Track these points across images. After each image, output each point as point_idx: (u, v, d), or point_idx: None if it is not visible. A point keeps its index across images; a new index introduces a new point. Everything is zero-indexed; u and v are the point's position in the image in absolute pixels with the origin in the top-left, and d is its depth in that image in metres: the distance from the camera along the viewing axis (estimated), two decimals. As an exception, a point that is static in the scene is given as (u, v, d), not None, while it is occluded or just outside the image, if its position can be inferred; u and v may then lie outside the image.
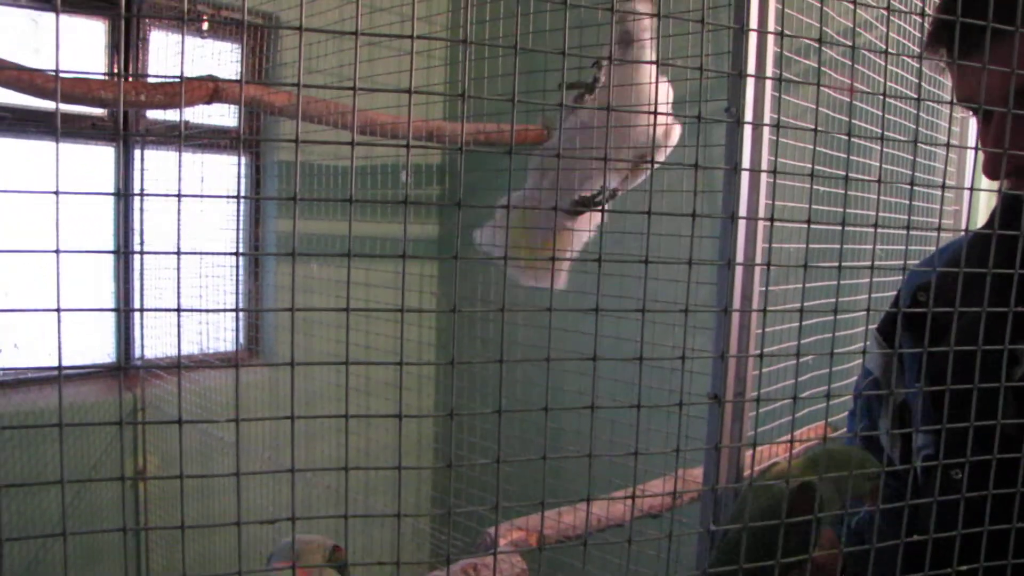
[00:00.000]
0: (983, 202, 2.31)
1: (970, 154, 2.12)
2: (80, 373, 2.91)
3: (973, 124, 2.13)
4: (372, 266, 2.91)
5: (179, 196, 0.55)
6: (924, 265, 1.01)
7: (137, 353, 3.01)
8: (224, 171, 2.99)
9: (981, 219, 2.33)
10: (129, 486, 2.82)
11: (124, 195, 2.88)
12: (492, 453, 0.71)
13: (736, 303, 1.17)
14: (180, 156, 0.59)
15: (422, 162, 3.06)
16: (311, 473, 2.65)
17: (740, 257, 1.17)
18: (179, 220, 0.54)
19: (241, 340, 3.25)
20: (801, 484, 0.88)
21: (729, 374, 1.17)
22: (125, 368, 2.99)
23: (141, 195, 2.82)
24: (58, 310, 0.55)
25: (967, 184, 2.13)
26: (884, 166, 0.74)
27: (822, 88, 0.70)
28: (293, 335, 0.56)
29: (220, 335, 3.17)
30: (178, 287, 0.57)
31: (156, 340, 3.01)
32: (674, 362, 1.12)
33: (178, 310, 0.56)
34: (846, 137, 0.73)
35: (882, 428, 1.03)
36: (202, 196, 2.79)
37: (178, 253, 0.55)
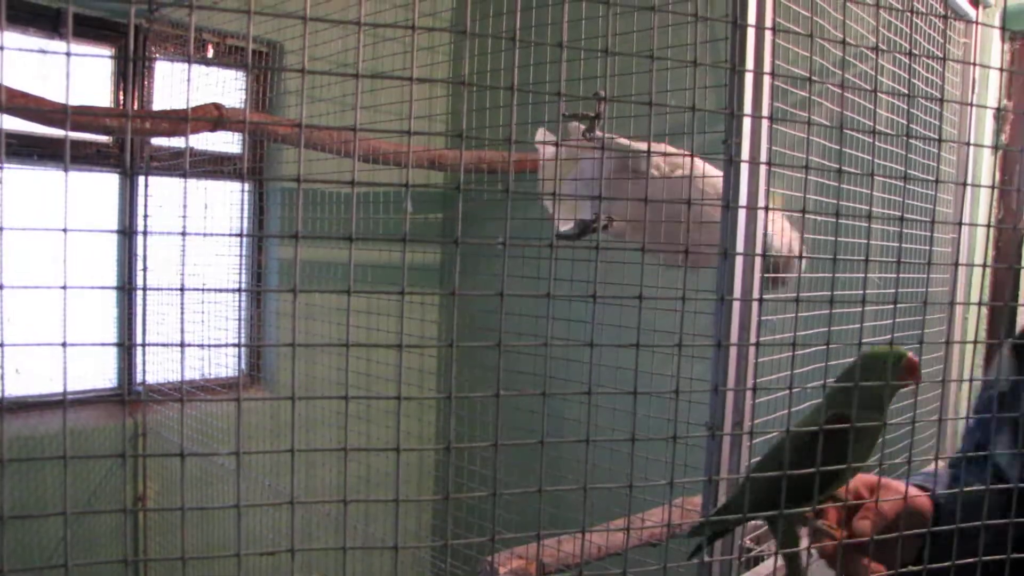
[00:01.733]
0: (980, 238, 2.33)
1: (968, 192, 2.14)
2: (81, 398, 2.92)
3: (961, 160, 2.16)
4: (374, 293, 2.92)
5: (183, 233, 0.56)
6: None
7: (139, 378, 3.01)
8: (227, 197, 3.01)
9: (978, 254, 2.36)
10: (130, 508, 2.82)
11: (129, 232, 2.90)
12: (506, 484, 0.71)
13: (734, 334, 1.18)
14: (186, 191, 0.61)
15: (424, 188, 3.09)
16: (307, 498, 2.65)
17: (737, 292, 1.19)
18: (183, 257, 0.55)
19: (242, 367, 3.26)
20: (833, 414, 0.89)
21: (727, 405, 1.18)
22: (128, 397, 3.00)
23: (145, 233, 2.83)
24: (64, 344, 0.56)
25: (964, 219, 2.14)
26: (876, 195, 0.75)
27: (815, 123, 0.72)
28: (295, 371, 0.57)
29: (221, 361, 3.18)
30: (181, 325, 0.58)
31: (158, 366, 3.02)
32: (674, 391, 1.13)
33: (181, 345, 0.57)
34: (837, 170, 0.75)
35: (999, 446, 1.02)
36: (206, 234, 2.81)
37: (181, 289, 0.56)
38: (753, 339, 1.17)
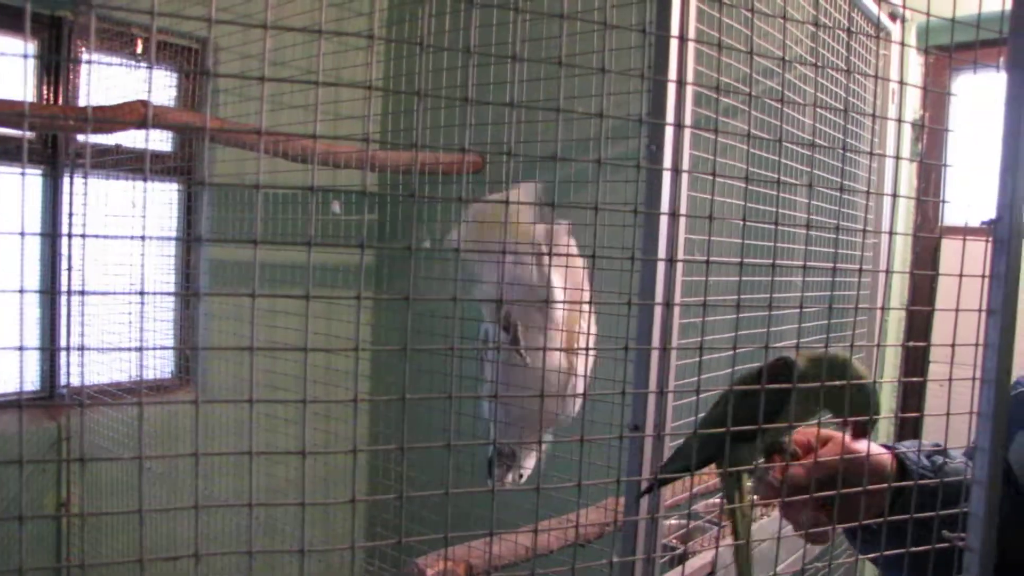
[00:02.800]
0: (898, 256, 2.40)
1: (886, 201, 2.20)
2: (1, 401, 2.83)
3: (888, 170, 2.23)
4: (304, 292, 2.89)
5: (143, 238, 0.55)
6: None
7: (63, 381, 2.93)
8: (156, 196, 2.95)
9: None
10: (53, 514, 2.74)
11: (65, 236, 2.82)
12: (422, 484, 0.72)
13: (655, 338, 1.20)
14: (143, 192, 0.60)
15: (355, 191, 3.06)
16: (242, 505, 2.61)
17: (659, 295, 1.21)
18: (143, 266, 0.54)
19: (171, 369, 3.20)
20: (780, 357, 0.92)
21: (649, 406, 1.20)
22: (56, 399, 2.91)
23: (70, 236, 2.76)
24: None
25: (884, 219, 2.21)
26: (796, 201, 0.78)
27: (727, 130, 0.74)
28: (252, 373, 0.56)
29: (150, 364, 3.11)
30: (142, 328, 0.57)
31: (82, 368, 2.94)
32: (616, 396, 1.15)
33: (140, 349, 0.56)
34: (746, 180, 0.77)
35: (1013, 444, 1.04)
36: (147, 237, 2.75)
37: (141, 293, 0.56)
38: (673, 343, 1.20)
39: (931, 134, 2.45)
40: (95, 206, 2.78)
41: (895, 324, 2.47)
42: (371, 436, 3.10)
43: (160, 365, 3.21)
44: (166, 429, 2.88)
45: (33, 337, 2.95)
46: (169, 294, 3.10)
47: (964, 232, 0.92)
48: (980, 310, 0.77)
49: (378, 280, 3.06)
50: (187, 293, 3.12)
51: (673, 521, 1.71)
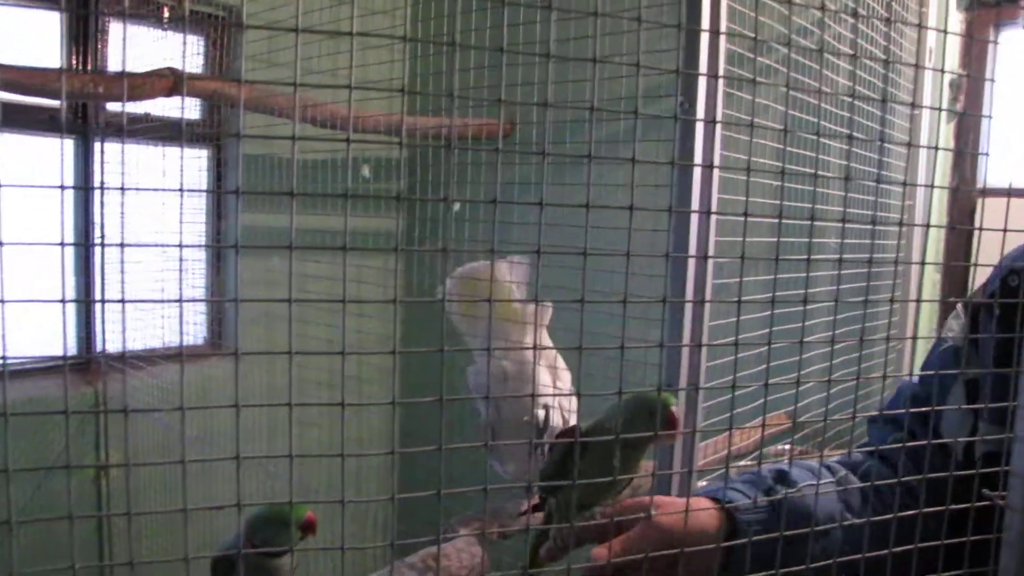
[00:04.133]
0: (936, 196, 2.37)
1: (923, 159, 2.16)
2: (40, 367, 2.88)
3: (925, 122, 2.18)
4: (335, 260, 2.90)
5: (181, 191, 0.55)
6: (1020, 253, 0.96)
7: (98, 347, 2.98)
8: (186, 164, 2.96)
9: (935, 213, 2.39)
10: (91, 481, 2.80)
11: (99, 189, 2.85)
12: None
13: (688, 296, 1.19)
14: (182, 153, 0.60)
15: (384, 156, 3.06)
16: (273, 466, 2.65)
17: (693, 249, 1.20)
18: (181, 214, 0.55)
19: (204, 334, 3.24)
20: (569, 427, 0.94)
21: (682, 365, 1.19)
22: (89, 361, 2.96)
23: (121, 190, 2.79)
24: (1, 301, 0.56)
25: (920, 180, 2.17)
26: (822, 157, 0.76)
27: (768, 86, 0.72)
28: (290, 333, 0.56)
29: (184, 329, 3.14)
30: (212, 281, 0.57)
31: (118, 334, 2.98)
32: (648, 355, 1.14)
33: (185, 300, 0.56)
34: (789, 133, 0.75)
35: (951, 403, 0.99)
36: (187, 190, 2.76)
37: (181, 246, 0.56)
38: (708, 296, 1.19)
39: (969, 94, 2.40)
40: (127, 174, 2.80)
41: (929, 286, 2.43)
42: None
43: (194, 332, 3.24)
44: (201, 396, 2.92)
45: (69, 309, 2.99)
46: (204, 246, 3.12)
47: (1008, 192, 0.89)
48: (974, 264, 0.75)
49: (401, 244, 3.07)
50: (222, 245, 3.15)
51: (703, 483, 1.72)
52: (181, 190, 0.60)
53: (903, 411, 1.01)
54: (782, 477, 0.95)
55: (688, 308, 1.18)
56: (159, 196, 2.83)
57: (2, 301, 0.56)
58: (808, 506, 0.91)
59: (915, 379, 1.07)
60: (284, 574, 1.21)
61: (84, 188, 2.82)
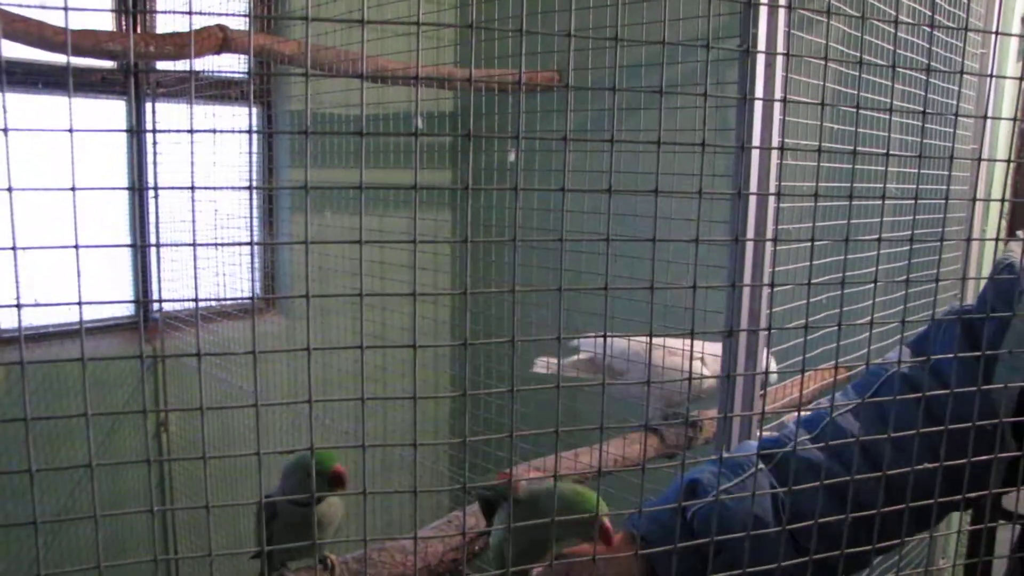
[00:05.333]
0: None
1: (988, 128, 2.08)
2: (100, 326, 2.95)
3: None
4: (387, 213, 2.91)
5: (258, 132, 0.55)
6: None
7: (155, 307, 3.03)
8: (234, 123, 2.98)
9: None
10: (152, 436, 2.87)
11: (138, 132, 2.88)
12: (506, 428, 0.72)
13: (751, 230, 1.16)
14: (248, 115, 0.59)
15: (434, 108, 3.04)
16: (329, 419, 2.69)
17: (754, 187, 1.17)
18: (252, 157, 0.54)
19: (258, 291, 3.28)
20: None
21: (743, 308, 1.17)
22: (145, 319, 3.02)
23: (154, 132, 2.81)
24: (76, 247, 0.56)
25: (985, 153, 2.09)
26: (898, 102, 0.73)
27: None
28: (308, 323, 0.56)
29: (236, 286, 3.19)
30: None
31: (174, 294, 3.03)
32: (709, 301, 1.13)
33: (251, 243, 0.56)
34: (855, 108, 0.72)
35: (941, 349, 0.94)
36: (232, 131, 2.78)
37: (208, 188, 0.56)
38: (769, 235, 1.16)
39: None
40: (175, 136, 2.83)
41: (992, 227, 2.36)
42: (456, 381, 3.14)
43: (245, 289, 3.29)
44: (255, 358, 2.96)
45: (124, 263, 3.04)
46: (274, 188, 3.15)
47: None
48: None
49: (462, 200, 3.06)
50: (293, 186, 3.17)
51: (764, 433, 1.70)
52: (251, 132, 0.59)
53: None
54: (692, 489, 0.92)
55: (750, 250, 1.16)
56: (210, 155, 2.86)
57: (76, 247, 0.56)
58: (736, 519, 0.88)
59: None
60: (323, 524, 1.22)
61: (136, 131, 2.85)
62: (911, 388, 0.89)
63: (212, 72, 2.83)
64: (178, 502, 2.91)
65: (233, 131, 2.93)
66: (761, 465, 0.92)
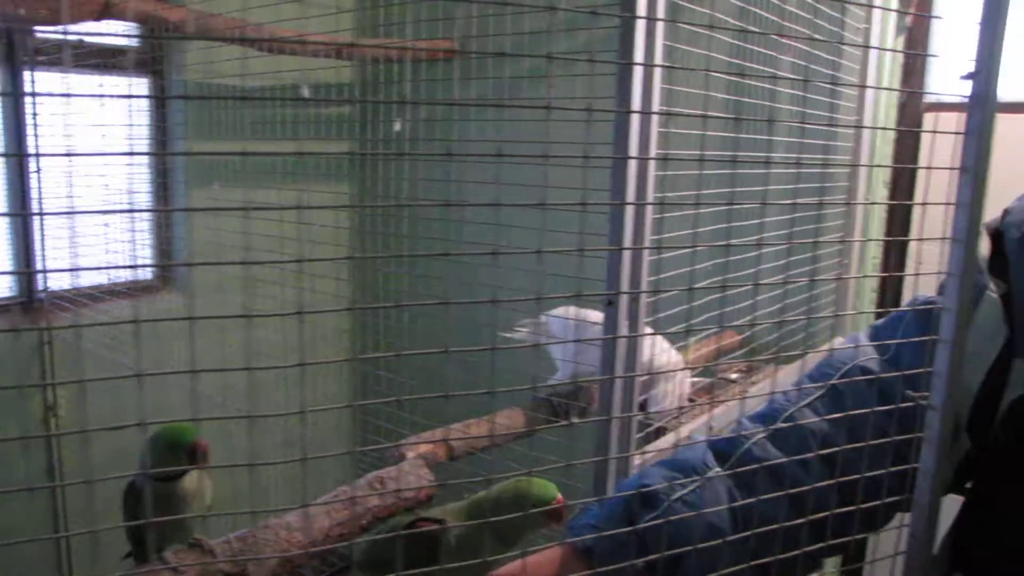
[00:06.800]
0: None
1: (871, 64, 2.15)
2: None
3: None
4: (285, 186, 2.84)
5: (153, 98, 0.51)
6: None
7: (40, 285, 2.90)
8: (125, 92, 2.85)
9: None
10: (40, 420, 2.75)
11: (16, 95, 2.73)
12: (405, 388, 0.71)
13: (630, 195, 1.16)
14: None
15: (333, 80, 2.97)
16: (221, 397, 2.62)
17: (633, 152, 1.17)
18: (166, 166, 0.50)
19: (153, 270, 3.17)
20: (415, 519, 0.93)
21: (624, 275, 1.17)
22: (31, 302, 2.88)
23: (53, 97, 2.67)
24: None
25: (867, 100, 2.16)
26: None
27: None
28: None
29: (129, 263, 3.07)
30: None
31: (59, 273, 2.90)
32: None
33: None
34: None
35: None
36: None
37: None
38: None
39: (918, 6, 2.37)
40: (59, 104, 2.69)
41: (877, 218, 2.45)
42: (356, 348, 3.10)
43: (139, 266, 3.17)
44: (150, 331, 2.86)
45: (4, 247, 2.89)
46: (179, 154, 3.02)
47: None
48: (952, 168, 0.73)
49: (353, 169, 3.01)
50: (171, 152, 3.05)
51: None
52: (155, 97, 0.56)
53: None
54: (643, 496, 0.84)
55: (630, 216, 1.16)
56: (99, 128, 2.73)
57: None
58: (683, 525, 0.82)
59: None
60: (188, 501, 1.18)
61: (12, 93, 2.70)
62: (872, 383, 0.88)
63: (86, 36, 2.71)
64: (68, 488, 2.80)
65: (103, 96, 2.81)
66: (717, 468, 0.87)
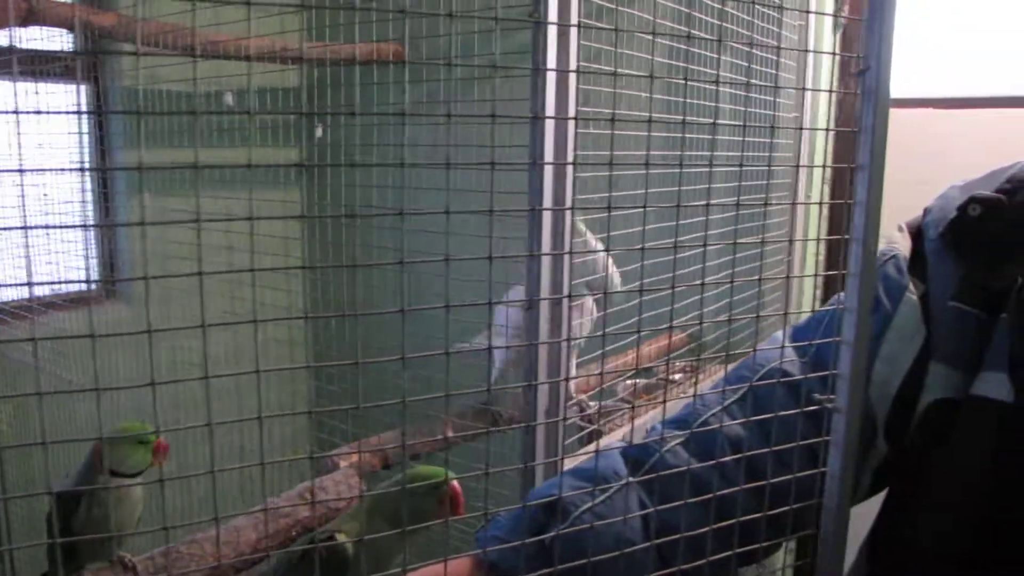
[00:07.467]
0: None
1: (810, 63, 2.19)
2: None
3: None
4: (231, 195, 2.80)
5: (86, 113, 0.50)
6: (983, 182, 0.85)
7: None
8: (58, 100, 2.79)
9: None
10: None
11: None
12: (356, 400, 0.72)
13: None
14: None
15: (278, 84, 2.93)
16: (175, 409, 2.57)
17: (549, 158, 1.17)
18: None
19: (96, 277, 3.10)
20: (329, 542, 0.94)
21: (544, 280, 1.16)
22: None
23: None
24: None
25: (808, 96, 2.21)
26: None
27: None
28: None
29: (72, 276, 3.00)
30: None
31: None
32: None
33: None
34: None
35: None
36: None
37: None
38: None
39: (853, 4, 2.42)
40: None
41: (815, 217, 2.50)
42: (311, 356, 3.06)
43: (82, 277, 3.10)
44: (98, 343, 2.80)
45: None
46: (116, 169, 2.95)
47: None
48: (849, 166, 0.71)
49: (303, 174, 2.98)
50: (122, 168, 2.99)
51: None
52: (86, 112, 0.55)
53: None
54: (552, 507, 0.81)
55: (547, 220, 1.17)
56: (36, 137, 2.66)
57: None
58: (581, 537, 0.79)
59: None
60: (129, 508, 1.16)
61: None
62: (791, 385, 0.86)
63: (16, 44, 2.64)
64: (12, 504, 2.73)
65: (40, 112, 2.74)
66: (629, 477, 0.84)
